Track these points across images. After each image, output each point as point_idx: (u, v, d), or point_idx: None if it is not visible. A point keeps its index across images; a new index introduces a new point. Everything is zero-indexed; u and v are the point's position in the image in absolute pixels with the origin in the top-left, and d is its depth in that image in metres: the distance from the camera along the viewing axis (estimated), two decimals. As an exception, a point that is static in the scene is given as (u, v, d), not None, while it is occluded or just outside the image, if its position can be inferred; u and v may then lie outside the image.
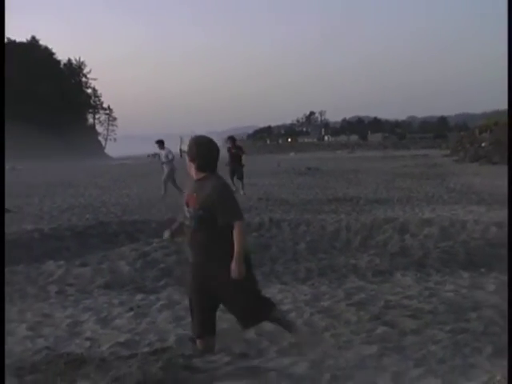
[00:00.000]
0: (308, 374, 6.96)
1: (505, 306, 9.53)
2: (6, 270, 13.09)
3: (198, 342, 7.80)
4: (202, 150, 7.74)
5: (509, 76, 9.24)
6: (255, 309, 7.89)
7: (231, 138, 33.67)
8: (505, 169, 48.15)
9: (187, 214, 7.73)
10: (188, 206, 7.72)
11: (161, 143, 31.75)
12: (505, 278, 11.63)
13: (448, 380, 6.70)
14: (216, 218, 7.57)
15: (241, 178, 31.87)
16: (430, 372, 6.94)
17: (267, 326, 8.70)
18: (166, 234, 8.10)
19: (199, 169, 7.72)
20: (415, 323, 8.67)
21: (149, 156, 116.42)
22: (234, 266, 7.43)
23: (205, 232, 7.65)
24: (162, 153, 32.24)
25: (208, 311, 7.80)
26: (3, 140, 8.38)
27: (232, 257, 7.52)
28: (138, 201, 25.51)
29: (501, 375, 6.75)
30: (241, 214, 7.64)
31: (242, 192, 30.42)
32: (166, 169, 32.07)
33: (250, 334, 8.17)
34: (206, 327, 7.78)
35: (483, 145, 70.76)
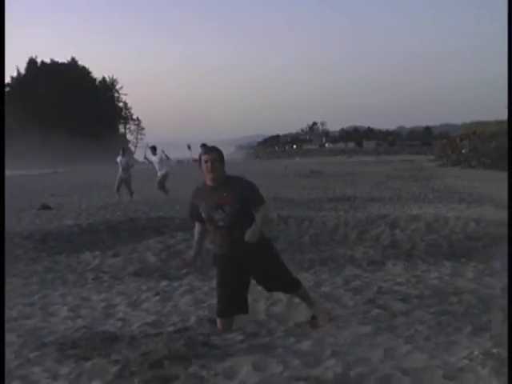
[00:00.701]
0: (311, 350, 6.96)
1: (482, 291, 9.56)
2: (51, 259, 13.15)
3: (218, 321, 7.84)
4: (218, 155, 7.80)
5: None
6: (291, 280, 8.12)
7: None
8: (482, 172, 48.09)
9: (221, 215, 7.66)
10: (222, 207, 7.65)
11: (153, 149, 30.78)
12: (482, 266, 11.64)
13: (433, 355, 6.68)
14: (249, 208, 7.72)
15: None
16: (417, 348, 6.93)
17: (276, 308, 8.73)
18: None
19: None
20: (404, 306, 8.67)
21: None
22: (251, 230, 7.53)
23: (240, 225, 7.66)
24: (154, 158, 30.54)
25: (236, 296, 7.85)
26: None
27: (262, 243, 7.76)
28: (163, 199, 25.42)
29: (478, 351, 6.76)
30: (264, 198, 7.78)
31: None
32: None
33: (261, 315, 8.18)
34: (232, 309, 7.85)
35: (463, 151, 70.66)
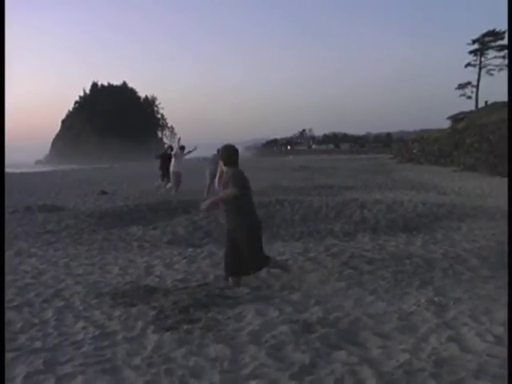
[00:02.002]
0: (300, 299, 6.99)
1: (427, 255, 9.56)
2: (106, 232, 13.19)
3: (230, 279, 7.85)
4: (224, 152, 7.90)
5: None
6: (260, 258, 7.96)
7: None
8: (428, 167, 47.75)
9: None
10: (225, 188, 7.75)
11: (182, 149, 26.57)
12: (427, 237, 11.63)
13: (390, 303, 6.71)
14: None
15: None
16: (379, 298, 6.96)
17: (273, 269, 8.73)
18: (203, 207, 8.05)
19: (224, 164, 7.87)
20: (370, 267, 8.67)
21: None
22: (207, 201, 8.07)
23: (233, 205, 7.75)
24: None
25: (239, 258, 7.84)
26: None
27: (245, 223, 7.79)
28: (189, 187, 25.39)
29: (424, 299, 6.77)
30: (237, 189, 7.59)
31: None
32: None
33: (262, 274, 8.16)
34: (238, 269, 7.86)
35: (414, 151, 70.49)
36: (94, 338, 5.80)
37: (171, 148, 27.21)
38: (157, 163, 27.39)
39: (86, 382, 4.71)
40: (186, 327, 5.97)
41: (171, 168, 24.78)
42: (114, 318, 6.47)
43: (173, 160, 25.02)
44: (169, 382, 4.67)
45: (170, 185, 25.17)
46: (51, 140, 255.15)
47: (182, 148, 25.95)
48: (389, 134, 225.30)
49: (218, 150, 27.62)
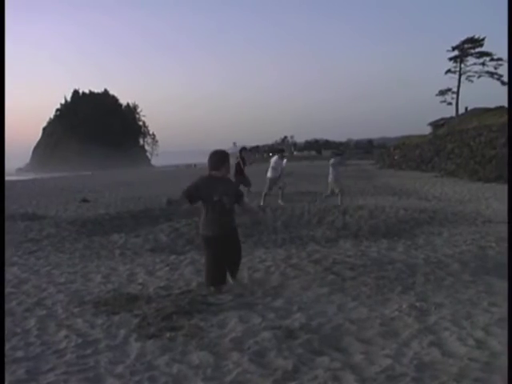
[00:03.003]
0: (283, 306, 6.99)
1: (409, 260, 9.60)
2: (88, 239, 13.16)
3: (210, 287, 7.86)
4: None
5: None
6: (238, 266, 8.18)
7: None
8: (409, 172, 47.85)
9: (227, 199, 7.81)
10: (228, 193, 7.85)
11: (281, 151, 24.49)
12: (409, 242, 11.69)
13: (372, 309, 6.73)
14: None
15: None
16: (362, 304, 6.98)
17: (256, 275, 8.75)
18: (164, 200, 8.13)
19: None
20: (352, 273, 8.68)
21: (195, 165, 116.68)
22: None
23: (231, 211, 7.96)
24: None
25: (224, 269, 7.91)
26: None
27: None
28: (171, 194, 25.33)
29: (406, 305, 6.80)
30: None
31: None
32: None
33: (245, 280, 8.20)
34: (222, 278, 7.92)
35: (396, 157, 70.89)
36: (77, 347, 5.79)
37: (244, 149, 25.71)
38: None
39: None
40: (168, 334, 5.97)
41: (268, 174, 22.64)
42: (97, 327, 6.45)
43: (284, 162, 23.28)
44: (152, 389, 4.68)
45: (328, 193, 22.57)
46: (32, 148, 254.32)
47: (282, 151, 24.76)
48: (370, 141, 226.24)
49: (244, 149, 26.40)
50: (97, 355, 5.53)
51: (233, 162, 8.68)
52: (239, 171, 22.54)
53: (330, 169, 22.36)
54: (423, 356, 5.14)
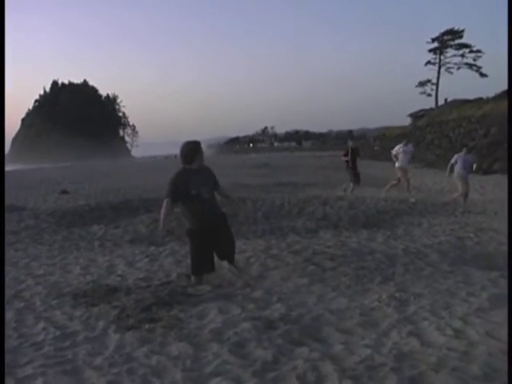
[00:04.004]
0: (262, 297, 6.99)
1: (389, 251, 9.62)
2: (68, 231, 13.10)
3: (193, 277, 7.84)
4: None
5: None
6: (233, 251, 8.12)
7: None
8: (388, 164, 48.31)
9: (206, 189, 7.79)
10: (207, 184, 7.83)
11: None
12: (389, 233, 11.73)
13: (352, 299, 6.74)
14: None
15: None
16: (341, 294, 6.99)
17: (237, 265, 8.73)
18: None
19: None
20: (332, 263, 8.69)
21: (175, 156, 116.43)
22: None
23: (211, 200, 7.92)
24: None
25: (208, 259, 7.92)
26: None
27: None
28: (151, 185, 25.31)
29: (385, 295, 6.82)
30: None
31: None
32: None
33: (224, 271, 8.17)
34: (206, 269, 7.92)
35: (376, 148, 71.17)
36: (55, 339, 5.75)
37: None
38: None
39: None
40: (147, 326, 5.94)
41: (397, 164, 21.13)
42: (75, 319, 6.42)
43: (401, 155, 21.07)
44: (131, 381, 4.65)
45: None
46: (11, 139, 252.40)
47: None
48: (350, 132, 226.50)
49: (351, 137, 25.61)
50: (75, 347, 5.50)
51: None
52: (351, 164, 21.36)
53: (401, 156, 21.02)
54: (402, 346, 5.15)
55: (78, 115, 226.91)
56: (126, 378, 4.71)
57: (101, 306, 6.83)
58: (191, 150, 7.77)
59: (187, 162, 7.73)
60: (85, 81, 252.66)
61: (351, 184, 21.48)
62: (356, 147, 21.52)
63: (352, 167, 21.40)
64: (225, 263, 8.22)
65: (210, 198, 7.88)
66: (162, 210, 7.75)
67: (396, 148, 21.38)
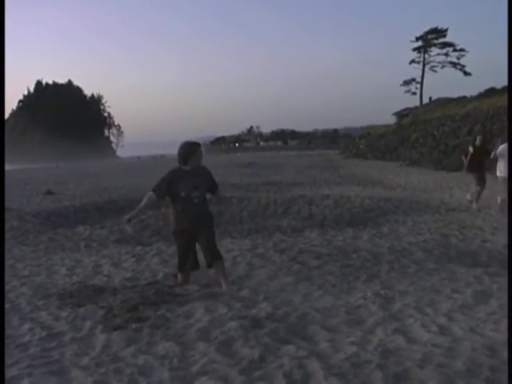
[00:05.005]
0: (249, 295, 7.02)
1: (374, 249, 9.68)
2: (53, 232, 13.05)
3: (179, 276, 7.85)
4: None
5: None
6: (215, 253, 7.98)
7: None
8: (374, 162, 48.26)
9: (196, 193, 7.69)
10: (198, 187, 7.71)
11: None
12: (374, 231, 11.79)
13: (338, 297, 6.79)
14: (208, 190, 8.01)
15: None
16: (327, 292, 7.03)
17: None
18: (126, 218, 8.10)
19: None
20: (318, 262, 8.75)
21: (161, 156, 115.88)
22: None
23: (201, 203, 7.80)
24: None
25: (193, 257, 7.91)
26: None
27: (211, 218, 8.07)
28: (137, 185, 25.24)
29: (370, 293, 6.86)
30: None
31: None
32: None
33: (211, 271, 8.15)
34: (190, 266, 7.90)
35: (361, 147, 71.37)
36: (41, 340, 5.74)
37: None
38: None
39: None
40: (134, 326, 5.94)
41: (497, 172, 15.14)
42: (62, 319, 6.40)
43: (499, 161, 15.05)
44: (117, 381, 4.65)
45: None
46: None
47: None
48: (336, 131, 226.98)
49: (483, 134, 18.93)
50: (62, 348, 5.48)
51: (201, 153, 8.42)
52: (476, 164, 16.05)
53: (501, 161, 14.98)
54: (388, 343, 5.19)
55: (63, 115, 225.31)
56: (112, 377, 4.71)
57: (87, 306, 6.81)
58: (186, 150, 7.70)
59: (182, 163, 7.69)
60: (69, 81, 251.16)
61: (477, 190, 16.11)
62: (482, 145, 16.41)
63: (478, 169, 16.09)
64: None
65: (199, 203, 7.73)
66: (144, 200, 7.77)
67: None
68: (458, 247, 9.69)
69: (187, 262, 7.86)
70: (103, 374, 4.78)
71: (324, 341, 5.33)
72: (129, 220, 8.11)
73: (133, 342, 5.49)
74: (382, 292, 6.90)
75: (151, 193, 7.66)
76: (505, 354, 4.72)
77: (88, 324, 6.16)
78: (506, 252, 9.14)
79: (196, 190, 7.66)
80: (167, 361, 5.01)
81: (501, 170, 14.74)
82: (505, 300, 6.31)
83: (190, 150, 7.73)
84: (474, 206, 15.39)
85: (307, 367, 4.69)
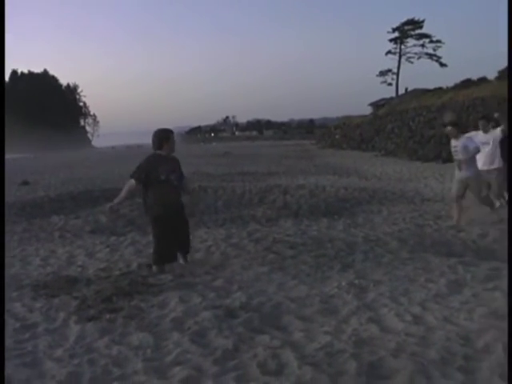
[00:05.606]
0: (223, 285, 7.01)
1: (349, 238, 9.71)
2: (27, 222, 12.96)
3: (154, 266, 7.85)
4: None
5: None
6: (189, 242, 8.17)
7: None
8: (350, 152, 48.36)
9: (174, 176, 7.90)
10: (176, 171, 7.95)
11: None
12: (349, 221, 11.82)
13: (312, 287, 6.79)
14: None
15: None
16: (301, 282, 7.03)
17: (197, 255, 8.75)
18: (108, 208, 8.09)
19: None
20: (292, 251, 8.75)
21: (138, 146, 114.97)
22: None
23: (179, 188, 8.08)
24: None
25: (171, 248, 7.97)
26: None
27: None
28: (111, 175, 25.16)
29: (345, 282, 6.88)
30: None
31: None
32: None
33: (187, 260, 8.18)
34: (171, 256, 7.98)
35: (337, 137, 71.34)
36: (15, 331, 5.69)
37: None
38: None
39: (5, 377, 4.62)
40: (108, 316, 5.92)
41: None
42: (35, 310, 6.37)
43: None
44: (91, 372, 4.63)
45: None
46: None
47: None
48: (312, 121, 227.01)
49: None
50: (35, 339, 5.45)
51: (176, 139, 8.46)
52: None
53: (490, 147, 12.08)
54: (362, 332, 5.21)
55: (39, 105, 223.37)
56: (86, 368, 4.69)
57: (61, 297, 6.79)
58: (161, 136, 7.92)
59: (157, 148, 7.88)
60: (45, 70, 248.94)
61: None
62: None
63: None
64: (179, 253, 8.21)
65: (178, 186, 8.01)
66: (125, 188, 7.85)
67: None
68: (432, 237, 9.73)
69: (164, 255, 7.87)
70: (77, 366, 4.75)
71: (298, 330, 5.34)
72: (111, 208, 8.05)
73: (106, 333, 5.47)
74: (356, 281, 6.92)
75: (131, 180, 7.78)
76: (478, 343, 4.77)
77: (62, 315, 6.14)
78: (480, 242, 9.25)
79: (174, 173, 7.88)
80: (141, 351, 4.99)
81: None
82: (479, 289, 6.38)
83: (164, 135, 7.96)
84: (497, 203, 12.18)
85: (281, 357, 4.69)
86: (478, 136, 11.94)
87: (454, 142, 10.72)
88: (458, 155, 10.77)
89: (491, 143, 11.84)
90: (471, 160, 10.79)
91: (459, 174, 10.88)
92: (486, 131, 12.03)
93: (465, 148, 10.67)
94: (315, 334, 5.23)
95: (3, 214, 10.96)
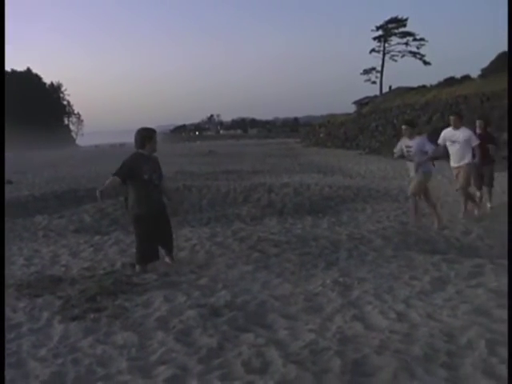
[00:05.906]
0: (207, 284, 7.02)
1: (333, 236, 9.74)
2: (11, 222, 12.88)
3: (137, 266, 7.84)
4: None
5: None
6: (172, 241, 8.27)
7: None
8: (334, 150, 48.48)
9: (156, 176, 7.93)
10: (157, 171, 7.99)
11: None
12: (333, 219, 11.85)
13: (297, 285, 6.80)
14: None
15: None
16: (286, 280, 7.04)
17: (181, 254, 8.75)
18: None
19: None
20: (277, 250, 8.77)
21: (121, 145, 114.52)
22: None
23: (160, 188, 8.11)
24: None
25: (154, 247, 8.00)
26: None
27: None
28: (96, 174, 25.04)
29: (329, 280, 6.89)
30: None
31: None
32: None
33: (172, 259, 8.17)
34: (149, 258, 7.96)
35: (321, 135, 71.56)
36: (-2, 331, 5.67)
37: None
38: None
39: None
40: (92, 316, 5.91)
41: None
42: (19, 310, 6.34)
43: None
44: (75, 371, 4.61)
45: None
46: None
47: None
48: (296, 119, 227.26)
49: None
50: (19, 339, 5.43)
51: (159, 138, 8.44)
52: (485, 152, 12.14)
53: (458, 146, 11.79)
54: (346, 330, 5.22)
55: (22, 104, 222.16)
56: (70, 368, 4.67)
57: (45, 296, 6.76)
58: (144, 135, 7.92)
59: (139, 147, 7.88)
60: (28, 68, 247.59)
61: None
62: (487, 133, 12.75)
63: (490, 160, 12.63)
64: (162, 252, 8.21)
65: (159, 185, 8.02)
66: (107, 182, 7.77)
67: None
68: (416, 235, 9.78)
69: (146, 254, 7.87)
70: (61, 365, 4.74)
71: (283, 329, 5.35)
72: (102, 192, 7.92)
73: (91, 333, 5.46)
74: (340, 279, 6.94)
75: (115, 177, 7.72)
76: (462, 339, 4.79)
77: (46, 315, 6.12)
78: (463, 239, 9.31)
79: (155, 173, 7.91)
80: (125, 350, 4.99)
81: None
82: (462, 286, 6.42)
83: (147, 134, 7.98)
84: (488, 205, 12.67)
85: (266, 355, 4.70)
86: (447, 132, 12.00)
87: (407, 142, 10.83)
88: (413, 156, 10.89)
89: (461, 141, 11.66)
90: (426, 160, 10.86)
91: (415, 175, 11.06)
92: (456, 127, 11.81)
93: (420, 150, 10.78)
94: (300, 332, 5.24)
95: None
